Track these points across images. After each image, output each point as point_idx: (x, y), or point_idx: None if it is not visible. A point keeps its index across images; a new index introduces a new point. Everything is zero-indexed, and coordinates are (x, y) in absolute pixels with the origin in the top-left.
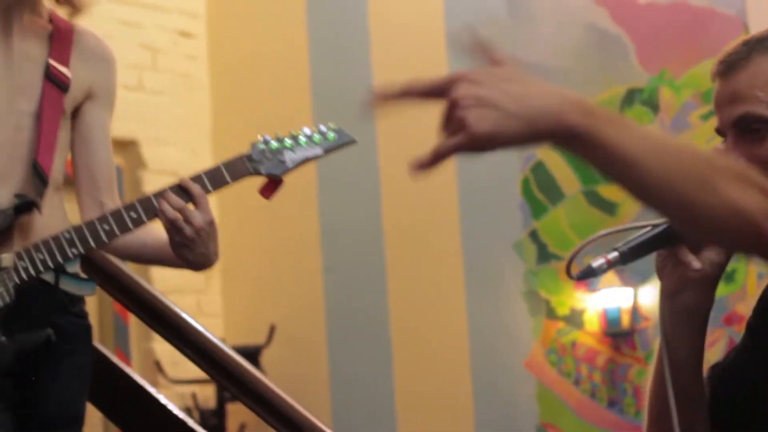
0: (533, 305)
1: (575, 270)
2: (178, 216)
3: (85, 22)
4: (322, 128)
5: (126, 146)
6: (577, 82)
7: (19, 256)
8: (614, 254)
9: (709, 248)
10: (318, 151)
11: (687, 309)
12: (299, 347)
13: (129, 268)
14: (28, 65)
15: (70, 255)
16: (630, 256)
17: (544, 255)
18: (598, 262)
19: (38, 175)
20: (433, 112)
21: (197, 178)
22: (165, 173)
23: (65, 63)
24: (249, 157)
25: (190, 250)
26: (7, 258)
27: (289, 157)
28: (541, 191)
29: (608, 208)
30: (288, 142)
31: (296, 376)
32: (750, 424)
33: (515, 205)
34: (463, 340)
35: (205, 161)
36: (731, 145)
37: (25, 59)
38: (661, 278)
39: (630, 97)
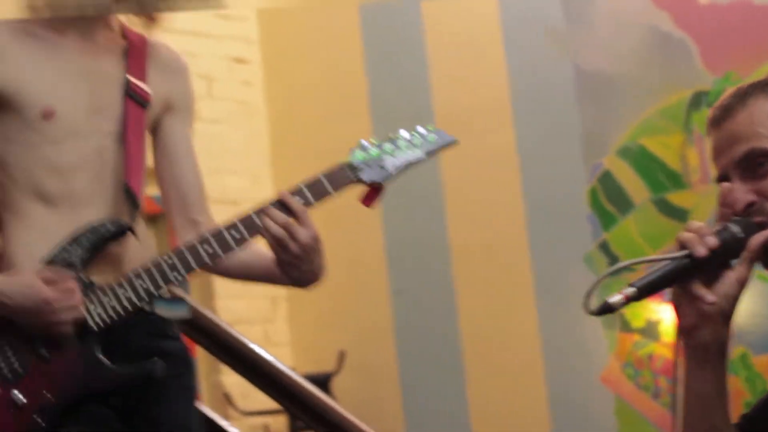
0: (607, 318)
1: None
2: (284, 233)
3: None
4: (421, 130)
5: None
6: (640, 88)
7: (120, 284)
8: (631, 289)
9: (722, 281)
10: (419, 154)
11: (704, 344)
12: (370, 372)
13: (193, 300)
14: (107, 84)
15: (173, 280)
16: (646, 291)
17: None
18: (615, 298)
19: (130, 199)
20: (494, 131)
21: (298, 192)
22: (226, 202)
23: (143, 78)
24: (350, 165)
25: (297, 267)
26: (104, 281)
27: (391, 162)
28: (609, 202)
29: (679, 215)
30: (388, 147)
31: (368, 401)
32: None
33: (584, 216)
34: (536, 356)
35: (265, 188)
36: (737, 185)
37: (103, 78)
38: (677, 314)
39: (697, 101)
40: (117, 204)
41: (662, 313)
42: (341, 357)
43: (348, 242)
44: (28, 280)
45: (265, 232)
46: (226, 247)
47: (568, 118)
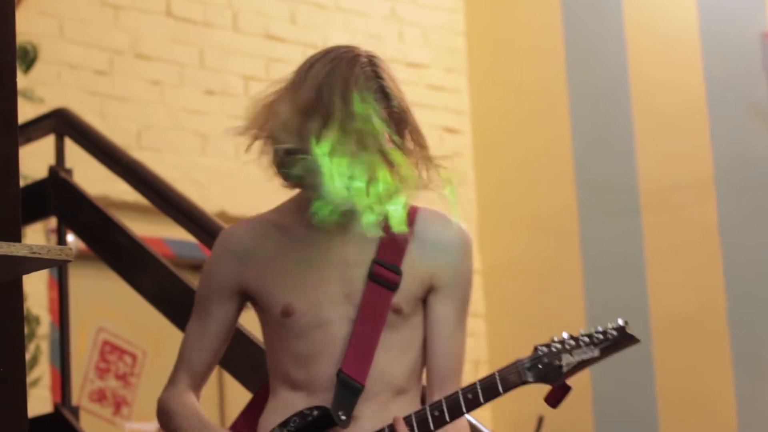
0: None
1: None
2: None
3: None
4: (606, 328)
5: None
6: None
7: None
8: None
9: None
10: (595, 353)
11: None
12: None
13: None
14: (352, 271)
15: None
16: None
17: None
18: None
19: (345, 385)
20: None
21: (470, 389)
22: None
23: (398, 258)
24: (522, 364)
25: None
26: None
27: (566, 360)
28: None
29: None
30: (569, 344)
31: None
32: None
33: None
34: (732, 430)
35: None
36: None
37: (349, 266)
38: None
39: None
40: (340, 390)
41: None
42: (540, 422)
43: (549, 307)
44: None
45: None
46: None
47: None
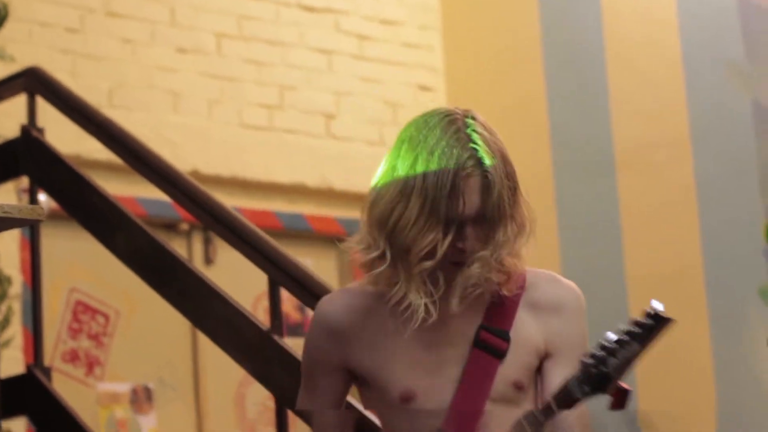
0: None
1: None
2: None
3: (326, 79)
4: (637, 319)
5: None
6: None
7: None
8: None
9: None
10: (635, 348)
11: None
12: None
13: None
14: (458, 342)
15: None
16: None
17: None
18: None
19: None
20: (673, 164)
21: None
22: None
23: (507, 323)
24: (574, 381)
25: None
26: None
27: (612, 363)
28: None
29: None
30: (610, 347)
31: None
32: None
33: (759, 250)
34: (709, 388)
35: None
36: None
37: (455, 339)
38: None
39: None
40: None
41: None
42: None
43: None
44: None
45: None
46: None
47: (746, 153)
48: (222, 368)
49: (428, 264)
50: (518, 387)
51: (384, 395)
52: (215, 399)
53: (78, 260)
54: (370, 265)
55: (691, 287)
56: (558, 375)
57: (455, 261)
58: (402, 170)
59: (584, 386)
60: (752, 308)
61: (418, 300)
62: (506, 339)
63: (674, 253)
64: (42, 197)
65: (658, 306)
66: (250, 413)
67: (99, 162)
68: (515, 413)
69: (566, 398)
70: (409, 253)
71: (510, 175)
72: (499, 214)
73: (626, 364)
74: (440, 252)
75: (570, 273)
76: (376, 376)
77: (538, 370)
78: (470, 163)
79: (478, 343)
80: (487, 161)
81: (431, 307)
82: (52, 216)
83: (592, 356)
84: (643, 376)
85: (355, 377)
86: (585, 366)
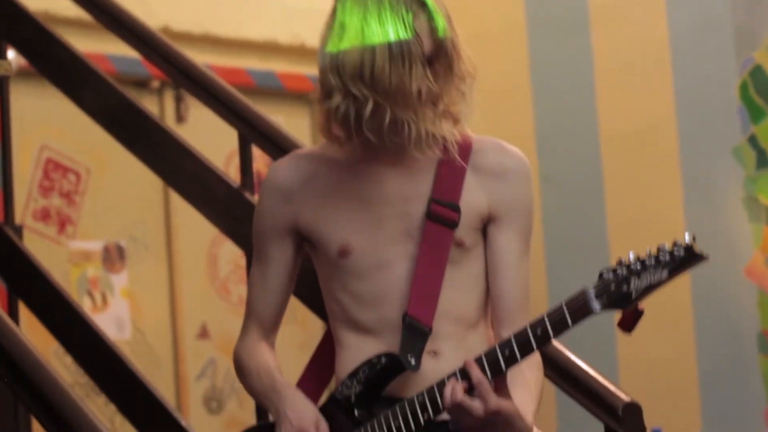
0: (753, 212)
1: None
2: (456, 408)
3: None
4: (669, 248)
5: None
6: None
7: (381, 422)
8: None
9: None
10: (663, 275)
11: None
12: None
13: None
14: (409, 208)
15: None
16: None
17: (763, 161)
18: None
19: (411, 328)
20: (647, 21)
21: (539, 322)
22: None
23: (455, 195)
24: (590, 293)
25: None
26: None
27: (635, 284)
28: (759, 95)
29: None
30: (635, 268)
31: None
32: None
33: (733, 109)
34: None
35: None
36: None
37: (406, 202)
38: None
39: None
40: (405, 334)
41: None
42: None
43: (497, 128)
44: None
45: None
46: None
47: (721, 10)
48: (194, 226)
49: (441, 106)
50: (459, 245)
51: (326, 251)
52: (187, 257)
53: (48, 118)
54: (359, 121)
55: (664, 145)
56: (504, 239)
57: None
58: (355, 24)
59: (599, 300)
60: (725, 167)
61: (423, 126)
62: (457, 210)
63: (648, 111)
64: (11, 54)
65: (691, 240)
66: (222, 271)
67: (69, 19)
68: (460, 273)
69: (581, 307)
70: (396, 93)
71: (452, 25)
72: (448, 59)
73: (649, 288)
74: (418, 88)
75: (543, 131)
76: (319, 233)
77: (483, 232)
78: (415, 6)
79: (431, 216)
80: (430, 3)
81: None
82: (22, 74)
83: (613, 272)
84: (616, 226)
85: (305, 239)
86: (603, 280)
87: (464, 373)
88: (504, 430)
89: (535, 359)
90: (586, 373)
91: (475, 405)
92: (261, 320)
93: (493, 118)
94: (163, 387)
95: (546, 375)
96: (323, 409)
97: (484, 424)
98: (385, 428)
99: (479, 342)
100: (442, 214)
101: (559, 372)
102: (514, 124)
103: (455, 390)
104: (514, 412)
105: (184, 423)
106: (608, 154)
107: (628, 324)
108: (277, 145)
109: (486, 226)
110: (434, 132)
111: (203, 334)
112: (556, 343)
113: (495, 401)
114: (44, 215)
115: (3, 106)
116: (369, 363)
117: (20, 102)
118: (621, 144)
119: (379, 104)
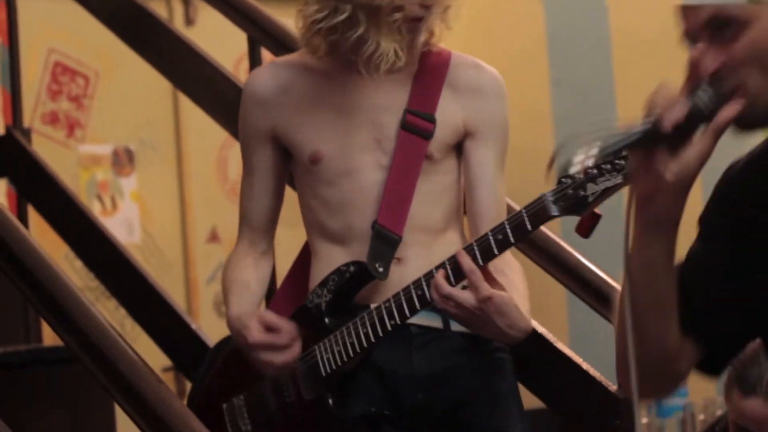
0: None
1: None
2: (447, 304)
3: None
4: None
5: None
6: None
7: (349, 329)
8: (590, 160)
9: (684, 153)
10: (618, 179)
11: (658, 215)
12: (526, 160)
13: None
14: (383, 117)
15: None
16: (604, 159)
17: None
18: (575, 168)
19: (381, 237)
20: None
21: (499, 229)
22: None
23: (431, 106)
24: (548, 197)
25: (477, 328)
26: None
27: (591, 189)
28: None
29: None
30: (592, 172)
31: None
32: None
33: None
34: None
35: None
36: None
37: (380, 112)
38: (633, 181)
39: None
40: (375, 242)
41: None
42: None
43: (509, 31)
44: (245, 322)
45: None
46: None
47: None
48: (203, 129)
49: (398, 15)
50: (428, 157)
51: (298, 158)
52: (197, 160)
53: (55, 21)
54: (331, 30)
55: (677, 47)
56: (480, 154)
57: (415, 17)
58: None
59: (556, 205)
60: None
61: (388, 45)
62: (433, 121)
63: (660, 12)
64: None
65: None
66: (232, 174)
67: None
68: (429, 185)
69: (539, 211)
70: (380, 9)
71: None
72: None
73: (605, 192)
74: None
75: (554, 31)
76: (292, 140)
77: (457, 148)
78: None
79: (406, 126)
80: None
81: (400, 52)
82: None
83: (571, 177)
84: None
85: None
86: (561, 185)
87: (453, 264)
88: (498, 321)
89: (517, 268)
90: (597, 275)
91: (466, 295)
92: (250, 227)
93: (502, 20)
94: (173, 291)
95: (556, 278)
96: (295, 317)
97: (476, 316)
98: (353, 335)
99: (446, 250)
100: (417, 125)
101: (570, 274)
102: (524, 28)
103: (441, 283)
104: (508, 300)
105: (194, 326)
106: (619, 57)
107: (586, 229)
108: (287, 47)
109: (461, 141)
110: (396, 49)
111: (213, 237)
112: (566, 246)
113: (487, 288)
114: (53, 119)
115: (10, 9)
116: (338, 271)
117: (27, 5)
118: (632, 47)
119: (354, 16)
